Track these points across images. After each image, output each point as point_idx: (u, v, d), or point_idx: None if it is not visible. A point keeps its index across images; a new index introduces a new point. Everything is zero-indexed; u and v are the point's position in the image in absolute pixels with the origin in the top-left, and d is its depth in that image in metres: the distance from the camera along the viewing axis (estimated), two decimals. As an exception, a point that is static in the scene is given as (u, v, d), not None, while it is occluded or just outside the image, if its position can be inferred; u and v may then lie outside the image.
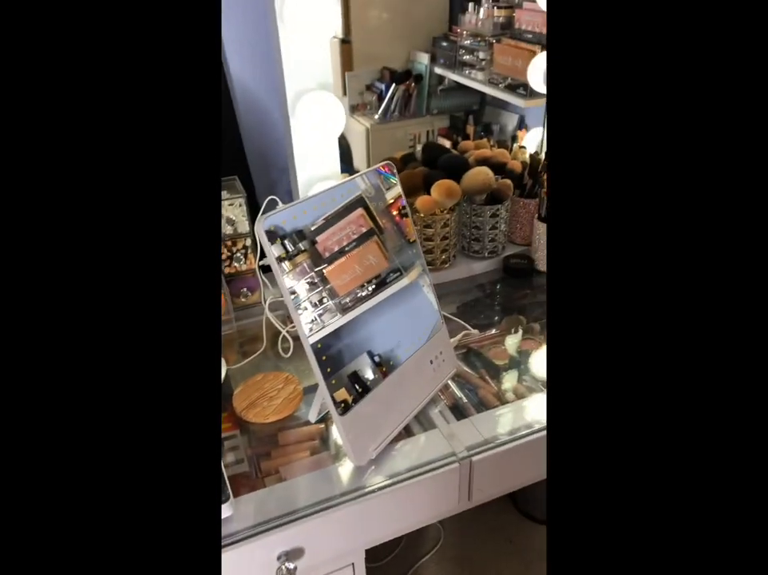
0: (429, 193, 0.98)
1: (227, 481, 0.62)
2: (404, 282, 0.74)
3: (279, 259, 0.62)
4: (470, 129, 1.56)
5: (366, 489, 0.65)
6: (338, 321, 0.66)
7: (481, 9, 1.41)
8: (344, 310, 0.67)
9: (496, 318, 0.99)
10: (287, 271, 0.62)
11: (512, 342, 0.91)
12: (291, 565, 0.62)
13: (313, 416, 0.74)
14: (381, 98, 1.50)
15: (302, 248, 0.64)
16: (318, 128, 0.93)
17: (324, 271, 0.66)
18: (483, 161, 1.03)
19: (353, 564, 0.71)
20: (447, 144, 1.50)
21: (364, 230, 0.71)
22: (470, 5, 1.44)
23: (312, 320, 0.63)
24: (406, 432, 0.73)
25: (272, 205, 0.74)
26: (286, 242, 0.63)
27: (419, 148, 1.49)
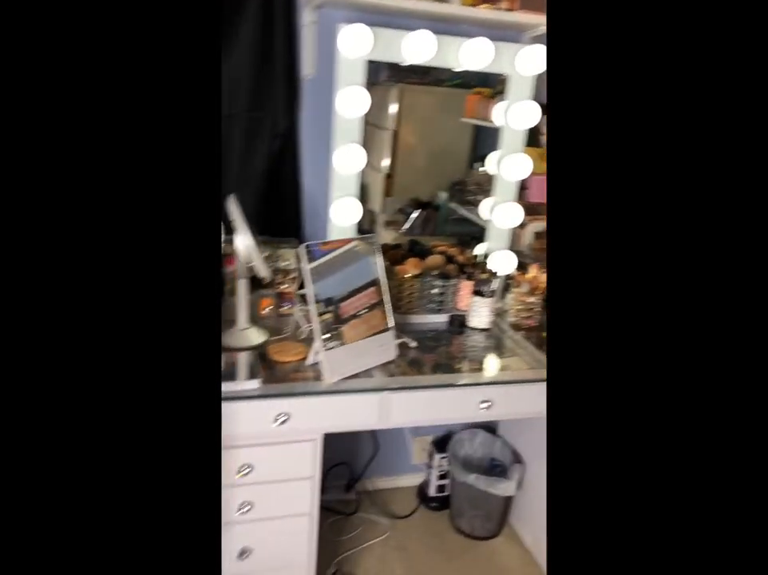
0: (403, 264, 1.64)
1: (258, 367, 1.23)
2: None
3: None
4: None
5: (330, 391, 1.25)
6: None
7: (483, 168, 2.13)
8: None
9: (430, 344, 1.60)
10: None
11: (432, 355, 1.51)
12: (283, 419, 1.21)
13: (309, 361, 1.35)
14: (407, 219, 2.22)
15: (330, 311, 1.28)
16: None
17: (341, 328, 1.29)
18: (441, 252, 1.70)
19: (315, 440, 1.28)
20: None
21: (374, 301, 1.35)
22: (476, 164, 2.18)
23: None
24: (356, 376, 1.33)
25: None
26: (320, 305, 1.27)
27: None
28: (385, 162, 1.90)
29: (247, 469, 1.25)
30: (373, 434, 2.03)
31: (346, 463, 2.04)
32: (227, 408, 1.19)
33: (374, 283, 1.35)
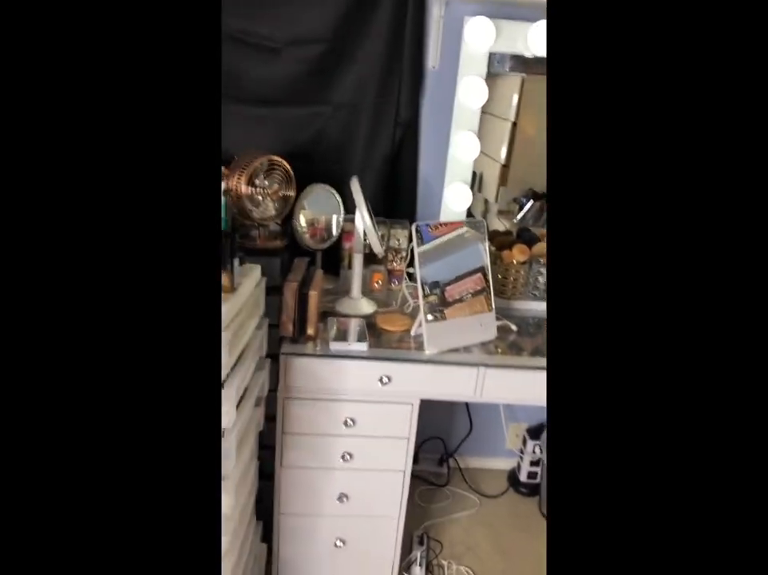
0: (511, 250, 1.69)
1: (366, 333, 1.37)
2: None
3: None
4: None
5: (430, 361, 1.35)
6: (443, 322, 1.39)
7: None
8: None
9: (531, 331, 1.63)
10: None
11: (532, 340, 1.55)
12: (385, 381, 1.33)
13: (413, 332, 1.46)
14: (521, 209, 2.25)
15: (435, 293, 1.38)
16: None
17: (445, 310, 1.39)
18: (550, 241, 1.73)
19: (412, 404, 1.39)
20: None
21: (479, 288, 1.44)
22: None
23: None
24: (456, 350, 1.42)
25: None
26: (425, 287, 1.37)
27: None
28: (503, 152, 1.93)
29: (351, 422, 1.40)
30: (468, 414, 2.10)
31: (441, 439, 2.15)
32: (338, 365, 1.35)
33: (481, 270, 1.42)
